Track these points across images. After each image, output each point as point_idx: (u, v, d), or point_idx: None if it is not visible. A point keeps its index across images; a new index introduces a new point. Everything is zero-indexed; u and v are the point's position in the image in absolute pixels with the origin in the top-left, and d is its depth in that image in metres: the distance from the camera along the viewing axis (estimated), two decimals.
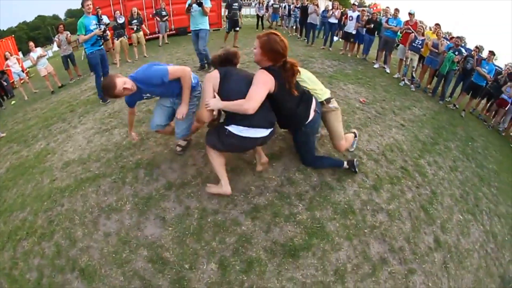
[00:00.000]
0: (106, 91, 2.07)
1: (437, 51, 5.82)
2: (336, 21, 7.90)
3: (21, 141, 4.00)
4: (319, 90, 2.37)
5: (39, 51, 6.65)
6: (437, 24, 6.85)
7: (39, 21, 51.55)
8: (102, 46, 4.48)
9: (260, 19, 11.31)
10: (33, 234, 2.28)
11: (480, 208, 3.07)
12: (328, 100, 2.37)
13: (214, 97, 1.92)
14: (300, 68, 2.08)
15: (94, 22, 4.27)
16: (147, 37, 7.98)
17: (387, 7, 7.43)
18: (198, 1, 4.64)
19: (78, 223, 2.25)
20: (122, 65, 6.69)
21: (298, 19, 9.62)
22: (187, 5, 4.77)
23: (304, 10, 8.74)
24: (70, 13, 55.05)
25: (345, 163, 2.56)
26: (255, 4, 13.32)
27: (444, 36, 6.40)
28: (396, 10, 6.76)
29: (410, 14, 6.57)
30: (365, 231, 2.19)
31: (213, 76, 1.98)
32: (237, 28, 7.39)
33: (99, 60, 4.39)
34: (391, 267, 2.02)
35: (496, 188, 3.64)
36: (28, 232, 2.31)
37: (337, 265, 1.92)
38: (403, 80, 6.26)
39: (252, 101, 1.80)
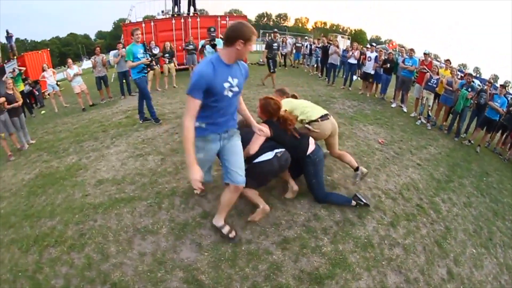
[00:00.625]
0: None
1: (451, 89, 6.21)
2: (356, 61, 8.58)
3: (51, 151, 4.45)
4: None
5: (76, 69, 7.25)
6: (447, 60, 7.44)
7: (71, 38, 55.61)
8: (146, 74, 4.97)
9: (283, 57, 12.08)
10: (62, 243, 2.44)
11: (494, 241, 3.27)
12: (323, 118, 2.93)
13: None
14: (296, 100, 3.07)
15: (141, 50, 4.69)
16: (176, 67, 8.70)
17: (402, 47, 8.02)
18: (212, 43, 4.90)
19: (112, 240, 2.44)
20: (152, 93, 7.36)
21: (319, 59, 10.44)
22: (200, 46, 5.04)
23: (325, 50, 9.54)
24: (100, 34, 60.07)
25: (354, 203, 2.93)
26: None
27: (457, 71, 6.84)
28: (411, 50, 7.37)
29: (425, 54, 7.17)
30: (383, 263, 2.43)
31: None
32: (275, 69, 7.94)
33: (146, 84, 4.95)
34: None
35: (511, 222, 3.81)
36: (57, 241, 2.47)
37: None
38: (420, 119, 6.66)
39: (252, 146, 2.48)
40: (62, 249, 2.40)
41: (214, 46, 4.92)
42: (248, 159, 2.48)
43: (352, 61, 8.60)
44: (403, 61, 7.22)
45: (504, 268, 2.96)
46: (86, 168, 3.67)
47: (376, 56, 7.91)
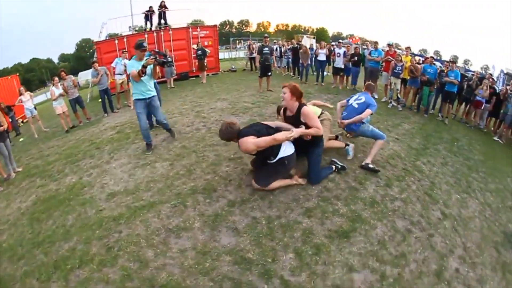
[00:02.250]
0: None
1: (415, 75, 7.29)
2: (325, 58, 9.64)
3: (44, 175, 4.42)
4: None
5: (60, 88, 7.12)
6: (407, 48, 8.78)
7: (34, 64, 53.32)
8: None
9: (252, 61, 12.88)
10: (89, 262, 2.44)
11: (472, 188, 4.14)
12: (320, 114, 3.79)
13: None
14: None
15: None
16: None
17: (366, 41, 9.14)
18: (162, 60, 4.07)
19: (146, 245, 2.54)
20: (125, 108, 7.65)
21: (290, 60, 11.44)
22: (140, 67, 3.93)
23: (295, 51, 10.52)
24: (63, 57, 57.93)
25: (333, 167, 3.60)
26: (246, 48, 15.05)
27: (420, 55, 8.09)
28: (376, 43, 8.61)
29: (389, 45, 8.44)
30: (389, 213, 3.08)
31: None
32: (269, 73, 8.21)
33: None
34: (415, 234, 2.88)
35: (484, 173, 4.78)
36: (82, 260, 2.47)
37: (378, 238, 2.73)
38: (390, 102, 7.74)
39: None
40: (91, 267, 2.40)
41: (164, 63, 4.23)
42: (272, 153, 2.93)
43: (322, 58, 9.54)
44: (370, 53, 8.34)
45: (486, 206, 3.82)
46: (91, 185, 3.77)
47: (344, 51, 8.98)
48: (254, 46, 13.16)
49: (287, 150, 2.97)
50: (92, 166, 4.40)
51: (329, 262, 2.44)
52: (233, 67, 13.68)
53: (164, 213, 2.97)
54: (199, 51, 10.66)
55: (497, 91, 7.60)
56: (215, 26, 12.87)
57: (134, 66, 4.09)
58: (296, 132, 2.91)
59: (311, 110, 3.10)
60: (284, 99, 3.08)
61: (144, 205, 3.14)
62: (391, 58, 7.88)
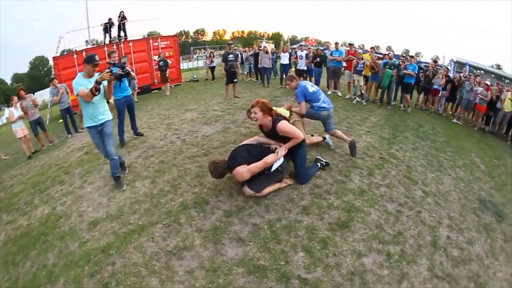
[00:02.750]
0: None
1: (376, 70, 7.98)
2: (288, 62, 10.04)
3: (11, 210, 3.99)
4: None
5: (19, 109, 6.49)
6: (372, 48, 9.70)
7: None
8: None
9: (212, 70, 12.88)
10: None
11: (444, 166, 4.64)
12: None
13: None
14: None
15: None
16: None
17: (328, 42, 9.74)
18: (119, 73, 3.72)
19: (147, 273, 2.37)
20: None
21: (251, 65, 11.72)
22: (93, 84, 3.34)
23: (257, 56, 10.75)
24: (17, 77, 53.72)
25: (319, 164, 3.78)
26: (205, 57, 15.06)
27: (377, 53, 8.88)
28: (336, 43, 9.17)
29: (350, 44, 9.20)
30: (378, 199, 3.33)
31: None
32: (235, 80, 8.29)
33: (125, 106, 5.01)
34: (406, 213, 3.17)
35: (451, 152, 5.40)
36: None
37: (375, 222, 2.94)
38: (355, 98, 8.29)
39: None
40: None
41: (122, 76, 3.97)
42: (267, 168, 3.11)
43: (285, 61, 9.94)
44: (331, 54, 8.88)
45: (459, 180, 4.35)
46: (67, 215, 3.42)
47: (306, 54, 9.47)
48: (214, 54, 13.22)
49: (279, 159, 3.14)
50: (64, 193, 4.01)
51: (338, 252, 2.57)
52: (195, 76, 13.66)
53: (158, 234, 2.79)
54: (161, 62, 10.52)
55: (452, 79, 8.65)
56: (175, 36, 12.75)
57: (82, 84, 3.42)
58: (281, 152, 3.15)
59: (285, 124, 3.24)
60: (258, 119, 3.20)
61: (133, 229, 2.92)
62: (353, 57, 8.51)
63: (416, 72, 7.99)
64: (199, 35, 61.16)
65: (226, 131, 5.31)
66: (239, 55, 12.57)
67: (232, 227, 2.84)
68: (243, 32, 61.70)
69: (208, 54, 14.25)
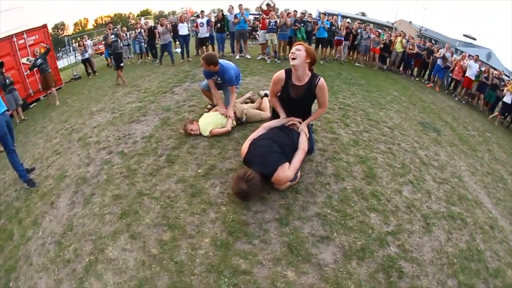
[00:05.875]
0: None
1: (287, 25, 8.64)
2: (187, 32, 9.52)
3: None
4: None
5: None
6: (286, 9, 10.35)
7: None
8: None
9: (88, 63, 10.77)
10: None
11: (382, 104, 5.75)
12: None
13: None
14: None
15: None
16: None
17: (230, 6, 9.44)
18: None
19: None
20: None
21: (142, 45, 10.65)
22: None
23: (151, 33, 9.89)
24: None
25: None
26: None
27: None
28: (240, 5, 9.09)
29: (267, 4, 9.57)
30: (371, 143, 3.86)
31: None
32: (121, 64, 7.76)
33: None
34: (393, 148, 3.87)
35: (377, 91, 6.58)
36: None
37: (385, 163, 3.46)
38: (269, 58, 8.81)
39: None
40: None
41: None
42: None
43: (184, 32, 9.40)
44: (235, 16, 8.91)
45: (398, 112, 5.39)
46: None
47: (208, 20, 9.24)
48: (86, 43, 11.02)
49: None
50: None
51: (389, 197, 2.90)
52: (75, 73, 11.29)
53: None
54: (39, 60, 7.83)
55: (351, 30, 10.33)
56: (45, 26, 9.72)
57: None
58: (306, 130, 2.88)
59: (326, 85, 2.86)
60: (298, 57, 2.60)
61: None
62: (265, 16, 8.91)
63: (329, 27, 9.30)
64: (59, 30, 50.34)
65: (168, 123, 4.45)
66: (125, 36, 11.25)
67: (303, 231, 2.41)
68: (108, 16, 54.93)
69: (78, 44, 11.81)
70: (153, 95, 5.87)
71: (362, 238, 2.41)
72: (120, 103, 5.93)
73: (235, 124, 3.89)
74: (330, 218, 2.54)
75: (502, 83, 8.88)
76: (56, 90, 9.43)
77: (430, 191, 3.18)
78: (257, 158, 2.56)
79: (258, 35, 11.39)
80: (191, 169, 3.16)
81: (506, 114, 8.65)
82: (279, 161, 2.50)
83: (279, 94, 2.96)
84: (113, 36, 8.11)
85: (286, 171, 2.48)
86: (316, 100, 2.90)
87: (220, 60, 3.86)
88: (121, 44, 9.41)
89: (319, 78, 2.77)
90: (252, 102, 4.53)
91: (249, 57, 9.07)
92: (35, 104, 9.16)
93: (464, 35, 17.61)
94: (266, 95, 4.35)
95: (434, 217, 2.79)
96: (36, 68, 7.96)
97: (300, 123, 2.91)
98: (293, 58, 2.64)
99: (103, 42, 12.22)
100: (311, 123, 3.17)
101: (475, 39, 19.29)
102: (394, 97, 6.46)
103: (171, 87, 6.10)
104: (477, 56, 9.74)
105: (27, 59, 8.41)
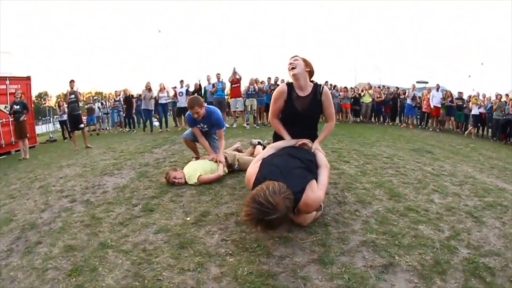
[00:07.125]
0: None
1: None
2: (167, 101, 10.00)
3: None
4: None
5: None
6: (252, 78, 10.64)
7: None
8: None
9: (65, 125, 10.62)
10: None
11: (374, 145, 6.34)
12: None
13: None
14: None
15: None
16: None
17: (208, 75, 10.27)
18: None
19: None
20: None
21: (120, 113, 10.88)
22: None
23: (128, 100, 10.26)
24: None
25: None
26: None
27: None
28: (218, 74, 9.70)
29: (234, 73, 9.57)
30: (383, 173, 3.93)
31: None
32: (82, 125, 7.57)
33: None
34: (390, 166, 4.07)
35: (363, 141, 7.56)
36: None
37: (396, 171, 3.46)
38: (248, 124, 9.43)
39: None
40: None
41: None
42: None
43: (163, 101, 9.83)
44: (213, 85, 9.63)
45: (393, 148, 5.61)
46: None
47: (187, 89, 10.00)
48: (65, 104, 11.08)
49: None
50: None
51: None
52: (51, 136, 11.86)
53: None
54: (17, 106, 7.42)
55: None
56: (28, 78, 9.67)
57: None
58: (319, 147, 2.66)
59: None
60: (297, 66, 2.50)
61: None
62: (233, 85, 9.39)
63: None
64: (42, 100, 50.81)
65: (146, 175, 3.89)
66: (105, 103, 11.70)
67: (356, 265, 1.85)
68: (89, 93, 58.13)
69: (58, 103, 12.32)
70: (130, 155, 5.47)
71: (429, 252, 2.03)
72: (93, 160, 5.49)
73: (226, 171, 3.53)
74: (380, 243, 2.10)
75: (465, 102, 10.37)
76: (29, 148, 8.74)
77: (457, 193, 3.18)
78: (275, 175, 1.99)
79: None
80: (177, 217, 2.56)
81: (479, 125, 10.03)
82: (305, 177, 2.04)
83: (282, 110, 2.70)
84: (72, 96, 7.40)
85: (316, 191, 2.01)
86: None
87: None
88: (78, 105, 8.27)
89: (323, 86, 2.72)
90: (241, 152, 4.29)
91: (227, 125, 9.27)
92: (4, 156, 8.46)
93: (418, 82, 20.35)
94: (259, 143, 4.27)
95: (476, 211, 2.70)
96: (13, 112, 7.45)
97: (311, 143, 2.62)
98: (293, 68, 2.52)
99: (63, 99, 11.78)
100: None
101: (427, 82, 22.14)
102: (377, 138, 6.87)
103: (150, 149, 5.87)
104: (438, 85, 10.93)
105: (5, 106, 7.97)
